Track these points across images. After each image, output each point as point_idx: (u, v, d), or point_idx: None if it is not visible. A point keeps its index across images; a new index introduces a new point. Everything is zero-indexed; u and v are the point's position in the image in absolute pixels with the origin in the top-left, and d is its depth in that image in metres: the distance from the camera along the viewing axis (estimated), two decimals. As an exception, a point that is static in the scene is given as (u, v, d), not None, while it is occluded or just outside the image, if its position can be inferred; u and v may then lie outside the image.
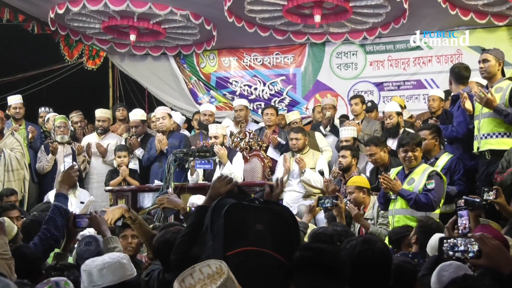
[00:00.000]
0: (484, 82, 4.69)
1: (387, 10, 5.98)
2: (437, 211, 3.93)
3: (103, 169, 6.20)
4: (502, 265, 1.61)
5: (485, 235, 1.72)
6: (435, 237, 2.53)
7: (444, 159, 4.57)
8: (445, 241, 1.85)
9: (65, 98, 7.35)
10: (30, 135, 6.20)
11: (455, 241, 1.82)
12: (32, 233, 3.13)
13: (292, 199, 5.45)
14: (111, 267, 1.92)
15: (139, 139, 6.22)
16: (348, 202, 4.49)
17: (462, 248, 1.78)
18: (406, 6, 5.75)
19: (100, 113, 6.43)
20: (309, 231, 3.36)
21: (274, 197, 2.10)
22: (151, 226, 3.68)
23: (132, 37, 6.68)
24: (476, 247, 1.70)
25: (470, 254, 1.72)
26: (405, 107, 6.17)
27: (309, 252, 1.55)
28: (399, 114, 5.59)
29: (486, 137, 4.42)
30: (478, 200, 3.28)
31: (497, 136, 4.37)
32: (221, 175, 2.15)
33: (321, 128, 6.15)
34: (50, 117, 6.43)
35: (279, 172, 5.70)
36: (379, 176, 4.35)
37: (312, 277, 1.48)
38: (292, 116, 6.34)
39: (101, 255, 2.32)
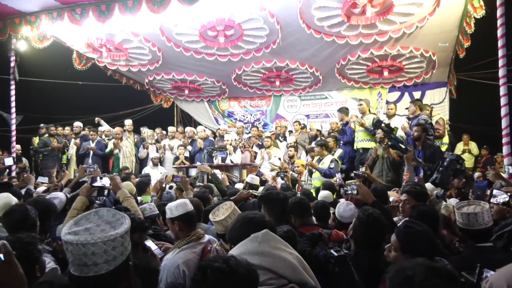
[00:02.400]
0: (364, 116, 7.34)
1: (312, 79, 10.00)
2: (334, 179, 6.00)
3: (171, 156, 9.47)
4: (367, 198, 2.92)
5: (360, 185, 3.15)
6: (338, 206, 3.43)
7: (339, 151, 7.26)
8: (342, 188, 3.99)
9: (153, 122, 10.94)
10: (136, 140, 9.63)
11: (346, 188, 3.39)
12: (140, 189, 5.25)
13: (265, 171, 8.01)
14: (181, 204, 2.68)
15: (189, 141, 9.59)
16: (293, 173, 7.13)
17: (349, 191, 3.27)
18: (320, 77, 9.83)
19: (170, 129, 10.08)
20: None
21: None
22: (198, 183, 6.35)
23: (186, 92, 10.92)
24: (355, 191, 3.12)
25: (354, 192, 3.14)
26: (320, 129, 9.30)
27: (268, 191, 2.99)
28: (318, 130, 9.24)
29: (360, 141, 7.34)
30: (358, 172, 5.72)
31: (365, 141, 7.30)
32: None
33: (279, 137, 9.65)
34: (145, 131, 9.97)
35: (258, 159, 8.77)
36: (308, 162, 7.25)
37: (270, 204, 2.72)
38: (266, 133, 9.62)
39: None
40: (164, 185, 4.70)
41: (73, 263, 1.23)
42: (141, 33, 7.93)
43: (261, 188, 5.33)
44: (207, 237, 2.70)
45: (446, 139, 6.85)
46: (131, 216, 2.09)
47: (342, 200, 3.59)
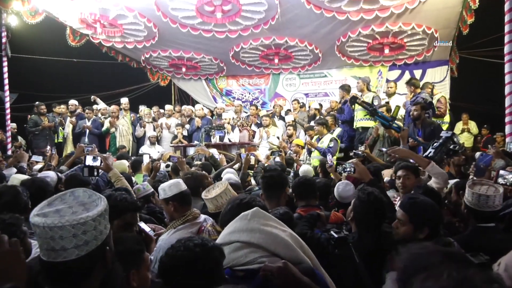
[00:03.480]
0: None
1: (311, 57, 9.80)
2: (335, 157, 5.86)
3: (168, 135, 9.30)
4: (364, 177, 2.90)
5: (357, 163, 3.14)
6: (336, 187, 3.30)
7: (337, 130, 7.22)
8: (339, 166, 3.48)
9: (150, 100, 10.71)
10: (132, 118, 9.40)
11: (345, 165, 3.28)
12: (135, 168, 5.22)
13: (264, 151, 7.95)
14: (174, 183, 2.60)
15: (187, 120, 9.35)
16: (291, 152, 7.25)
17: (347, 168, 3.26)
18: (320, 55, 9.66)
19: (167, 107, 9.96)
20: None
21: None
22: (195, 162, 6.03)
23: (183, 70, 10.75)
24: (353, 168, 3.10)
25: (352, 170, 3.13)
26: (320, 107, 9.34)
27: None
28: (316, 109, 9.17)
29: (359, 120, 7.07)
30: (357, 152, 5.30)
31: (365, 120, 6.94)
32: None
33: (275, 116, 9.44)
34: (142, 109, 9.85)
35: (256, 138, 8.68)
36: (307, 141, 7.05)
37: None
38: (263, 112, 9.79)
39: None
40: (158, 164, 4.58)
41: (41, 247, 1.15)
42: (135, 8, 7.72)
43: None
44: (202, 216, 2.64)
45: (447, 118, 6.75)
46: (122, 196, 2.03)
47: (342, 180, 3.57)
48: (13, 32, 7.94)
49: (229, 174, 4.22)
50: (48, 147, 6.95)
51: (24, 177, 3.48)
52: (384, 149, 3.91)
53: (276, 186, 2.75)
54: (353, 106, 6.88)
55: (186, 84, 12.04)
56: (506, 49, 4.74)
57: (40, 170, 5.26)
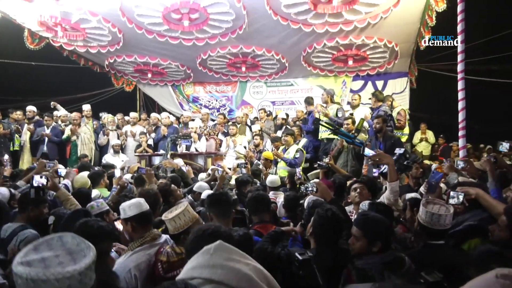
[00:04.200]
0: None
1: (278, 66, 9.93)
2: (301, 167, 5.86)
3: (133, 144, 9.10)
4: (325, 196, 3.08)
5: (319, 182, 3.28)
6: (307, 200, 3.30)
7: (303, 140, 7.42)
8: (302, 186, 3.39)
9: (114, 107, 10.59)
10: (95, 126, 9.14)
11: (307, 185, 3.30)
12: (94, 181, 4.86)
13: (231, 160, 7.87)
14: (135, 203, 2.54)
15: (153, 128, 9.21)
16: (258, 161, 7.40)
17: (310, 188, 3.27)
18: (286, 64, 9.78)
19: (132, 114, 9.74)
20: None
21: None
22: (161, 174, 6.00)
23: (149, 76, 10.59)
24: (315, 188, 3.20)
25: (314, 189, 3.22)
26: (286, 117, 9.17)
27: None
28: (284, 119, 9.14)
29: (324, 131, 7.25)
30: (322, 163, 5.51)
31: (329, 131, 7.34)
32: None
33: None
34: (105, 116, 9.58)
35: (223, 147, 8.68)
36: (273, 152, 7.09)
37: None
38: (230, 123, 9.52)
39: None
40: (123, 180, 4.48)
41: None
42: (99, 12, 7.51)
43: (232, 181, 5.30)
44: (163, 237, 2.60)
45: (406, 130, 7.07)
46: (99, 224, 1.98)
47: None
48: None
49: (207, 191, 4.18)
50: (6, 157, 6.56)
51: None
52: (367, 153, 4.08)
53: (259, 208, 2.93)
54: (316, 126, 6.96)
55: (152, 90, 11.85)
56: (459, 67, 5.03)
57: (-7, 182, 4.97)
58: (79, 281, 1.09)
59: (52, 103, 9.62)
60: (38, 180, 3.25)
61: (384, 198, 3.30)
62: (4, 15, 7.51)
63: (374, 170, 4.63)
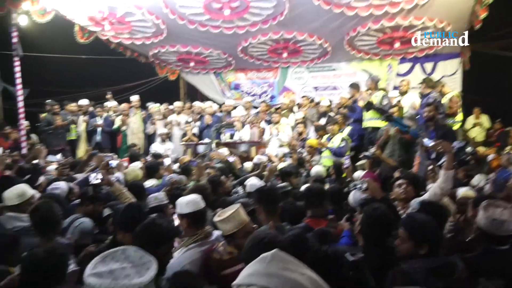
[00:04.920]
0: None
1: (320, 50, 9.66)
2: (342, 160, 5.68)
3: (179, 132, 9.42)
4: (376, 194, 3.00)
5: (369, 181, 3.16)
6: (352, 194, 3.35)
7: (347, 129, 7.39)
8: (350, 183, 3.48)
9: (158, 96, 10.66)
10: (143, 115, 9.59)
11: (356, 182, 3.36)
12: (149, 173, 5.14)
13: (274, 148, 8.09)
14: (192, 201, 2.61)
15: (198, 117, 9.48)
16: (301, 150, 7.53)
17: (359, 185, 3.26)
18: (329, 49, 9.47)
19: (177, 103, 10.03)
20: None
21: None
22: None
23: (192, 64, 10.68)
24: (365, 185, 3.17)
25: (364, 186, 3.17)
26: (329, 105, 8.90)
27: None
28: (328, 106, 8.81)
29: (369, 120, 7.08)
30: (367, 154, 5.57)
31: (374, 119, 6.92)
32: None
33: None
34: (152, 106, 9.81)
35: (266, 135, 8.68)
36: (318, 139, 7.21)
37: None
38: (273, 109, 9.66)
39: None
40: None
41: None
42: (144, 5, 7.70)
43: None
44: (215, 234, 2.67)
45: (459, 117, 6.68)
46: (158, 222, 2.10)
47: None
48: (23, 31, 7.99)
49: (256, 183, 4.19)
50: (59, 157, 6.99)
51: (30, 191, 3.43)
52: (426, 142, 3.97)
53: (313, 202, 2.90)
54: (368, 111, 6.77)
55: (194, 78, 12.01)
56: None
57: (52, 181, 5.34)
58: None
59: (108, 95, 10.01)
60: (94, 177, 3.51)
61: (433, 189, 3.15)
62: (57, 12, 7.91)
63: (427, 162, 4.43)
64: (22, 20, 7.85)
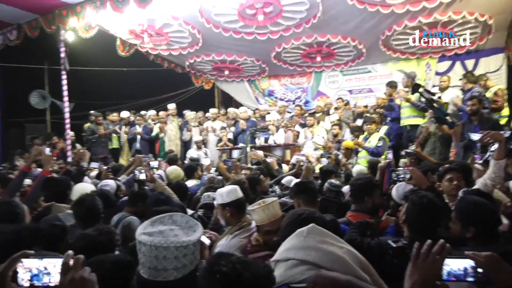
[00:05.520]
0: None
1: (354, 52, 9.57)
2: (383, 157, 6.05)
3: (214, 138, 9.51)
4: (421, 184, 2.78)
5: (414, 169, 3.00)
6: (395, 188, 3.16)
7: (384, 128, 7.21)
8: (393, 173, 3.12)
9: (195, 104, 10.87)
10: (179, 123, 9.78)
11: (398, 172, 3.08)
12: (188, 174, 5.32)
13: (309, 151, 7.90)
14: (232, 190, 2.71)
15: (233, 122, 9.47)
16: (337, 152, 7.17)
17: (402, 175, 3.05)
18: (363, 50, 9.40)
19: (212, 110, 10.18)
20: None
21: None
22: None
23: (226, 72, 10.90)
24: (408, 175, 2.91)
25: (407, 176, 2.93)
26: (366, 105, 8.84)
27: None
28: (365, 106, 8.74)
29: (407, 118, 6.91)
30: (409, 151, 5.14)
31: (412, 117, 6.85)
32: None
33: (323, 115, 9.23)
34: (188, 114, 10.02)
35: (301, 138, 8.61)
36: (354, 141, 6.99)
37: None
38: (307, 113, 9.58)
39: None
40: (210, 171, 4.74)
41: (143, 264, 1.22)
42: (180, 16, 7.98)
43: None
44: (253, 223, 2.68)
45: (505, 111, 6.33)
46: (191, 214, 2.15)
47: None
48: (70, 46, 8.50)
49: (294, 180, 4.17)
50: (95, 164, 7.27)
51: (89, 187, 3.70)
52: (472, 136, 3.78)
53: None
54: (413, 93, 6.45)
55: (228, 86, 12.22)
56: None
57: (97, 177, 5.62)
58: (192, 252, 1.23)
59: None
60: (139, 175, 3.69)
61: (482, 180, 2.97)
62: (100, 27, 8.38)
63: (477, 156, 4.20)
64: (69, 36, 8.34)
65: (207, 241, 2.58)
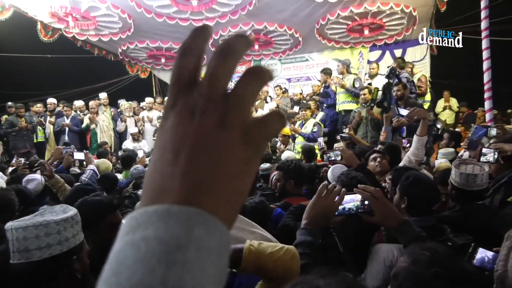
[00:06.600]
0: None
1: (291, 41, 9.68)
2: (316, 143, 6.00)
3: (151, 129, 9.13)
4: (352, 163, 2.95)
5: (344, 149, 3.65)
6: (330, 171, 3.20)
7: (320, 114, 7.33)
8: (325, 155, 3.57)
9: (131, 94, 10.40)
10: (113, 113, 9.18)
11: (329, 153, 3.44)
12: (125, 164, 5.32)
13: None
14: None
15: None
16: (278, 140, 7.33)
17: (332, 157, 3.40)
18: (300, 39, 9.52)
19: (147, 99, 9.73)
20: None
21: None
22: None
23: (163, 60, 10.47)
24: (339, 156, 3.28)
25: (338, 158, 3.28)
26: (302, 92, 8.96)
27: None
28: (301, 93, 8.88)
29: (342, 103, 7.17)
30: (344, 135, 5.73)
31: (347, 103, 7.12)
32: None
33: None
34: (122, 104, 9.53)
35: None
36: (290, 127, 6.89)
37: None
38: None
39: None
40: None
41: (11, 251, 1.19)
42: (108, -1, 7.46)
43: None
44: None
45: (428, 97, 6.80)
46: (96, 198, 1.95)
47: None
48: (-20, 30, 7.62)
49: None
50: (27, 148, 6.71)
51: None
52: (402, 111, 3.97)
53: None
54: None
55: (166, 75, 11.76)
56: (482, 25, 4.76)
57: (12, 172, 5.13)
58: (57, 231, 1.20)
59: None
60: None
61: (406, 158, 3.13)
62: (16, 9, 7.57)
63: (404, 140, 4.43)
64: (-23, 18, 7.44)
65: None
